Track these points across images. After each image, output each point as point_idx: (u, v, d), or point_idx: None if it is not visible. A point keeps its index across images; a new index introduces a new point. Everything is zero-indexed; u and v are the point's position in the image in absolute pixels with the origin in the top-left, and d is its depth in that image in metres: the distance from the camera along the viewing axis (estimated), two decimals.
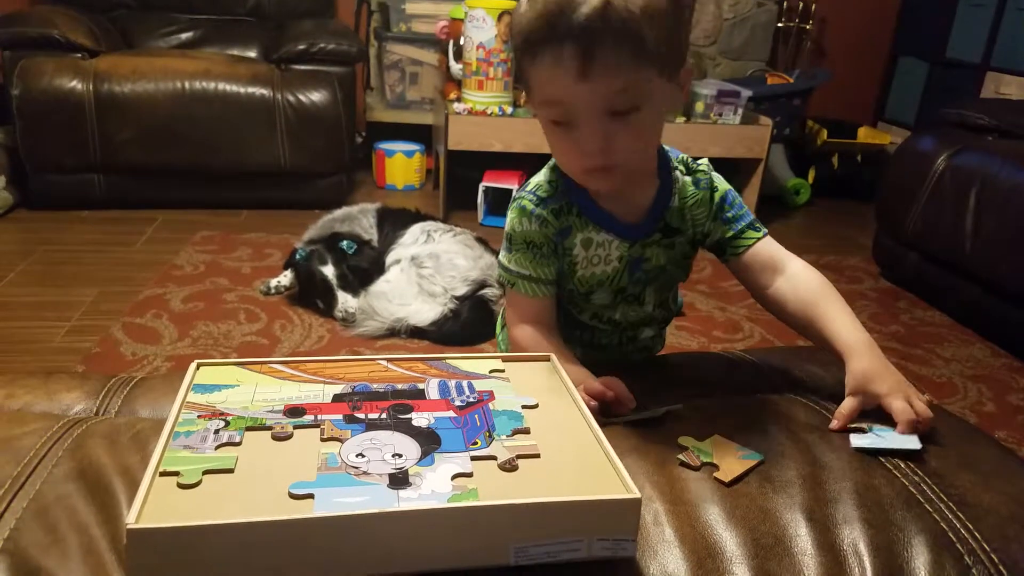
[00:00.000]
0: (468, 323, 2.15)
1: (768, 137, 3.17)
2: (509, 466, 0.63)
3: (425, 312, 2.17)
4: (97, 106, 2.84)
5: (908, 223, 2.60)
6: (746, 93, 3.19)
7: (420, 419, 0.69)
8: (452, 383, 0.76)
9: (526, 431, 0.69)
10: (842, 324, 0.90)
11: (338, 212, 2.59)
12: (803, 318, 0.94)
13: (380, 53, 3.70)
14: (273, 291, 2.35)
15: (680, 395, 0.89)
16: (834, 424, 0.81)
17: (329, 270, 2.27)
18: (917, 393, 0.84)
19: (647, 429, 0.79)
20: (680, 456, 0.74)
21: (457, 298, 2.20)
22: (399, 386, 0.75)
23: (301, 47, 3.14)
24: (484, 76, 3.03)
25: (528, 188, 0.99)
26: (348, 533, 0.55)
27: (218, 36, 3.47)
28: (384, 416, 0.69)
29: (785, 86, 3.54)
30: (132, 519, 0.54)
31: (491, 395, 0.74)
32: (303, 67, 3.14)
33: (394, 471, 0.61)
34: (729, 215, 1.01)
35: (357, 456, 0.63)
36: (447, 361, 0.81)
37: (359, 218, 2.56)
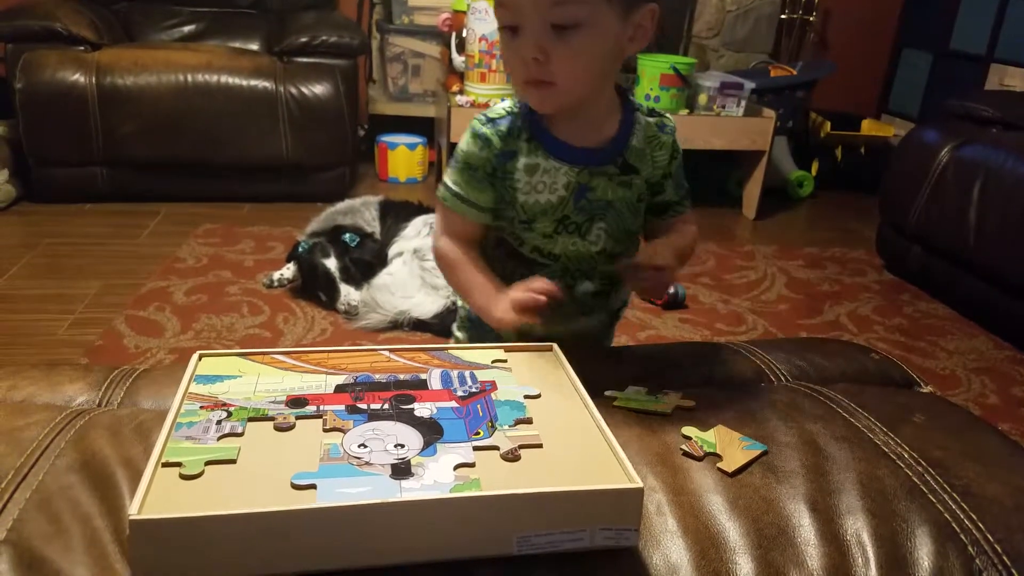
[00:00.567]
0: None
1: (771, 129, 3.16)
2: (511, 456, 0.63)
3: (428, 305, 2.17)
4: (100, 99, 2.84)
5: (911, 216, 2.60)
6: (749, 85, 3.18)
7: (422, 409, 0.69)
8: (454, 373, 0.76)
9: (528, 421, 0.69)
10: (666, 240, 1.02)
11: (341, 205, 2.59)
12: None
13: (382, 45, 3.69)
14: (276, 284, 2.35)
15: (683, 386, 0.89)
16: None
17: (332, 263, 2.27)
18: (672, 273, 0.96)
19: (650, 419, 0.79)
20: (683, 446, 0.74)
21: None
22: (401, 376, 0.75)
23: (303, 40, 3.13)
24: (487, 68, 3.03)
25: (488, 110, 1.01)
26: (350, 523, 0.55)
27: (220, 29, 3.47)
28: (386, 406, 0.69)
29: (788, 78, 3.53)
30: (134, 510, 0.54)
31: (493, 385, 0.74)
32: (305, 60, 3.13)
33: (396, 461, 0.61)
34: (680, 181, 1.06)
35: (359, 446, 0.63)
36: (449, 351, 0.81)
37: (362, 211, 2.56)
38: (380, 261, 2.35)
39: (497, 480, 0.60)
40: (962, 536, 0.65)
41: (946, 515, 0.67)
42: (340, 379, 0.74)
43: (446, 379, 0.75)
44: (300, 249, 2.33)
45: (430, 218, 2.45)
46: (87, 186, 2.97)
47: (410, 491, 0.58)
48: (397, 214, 2.52)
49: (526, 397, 0.73)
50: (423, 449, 0.63)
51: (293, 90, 2.99)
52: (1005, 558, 0.63)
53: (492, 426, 0.67)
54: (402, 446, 0.63)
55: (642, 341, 2.17)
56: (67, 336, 2.03)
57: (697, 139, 3.13)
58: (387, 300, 2.18)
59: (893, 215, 2.73)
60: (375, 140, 3.56)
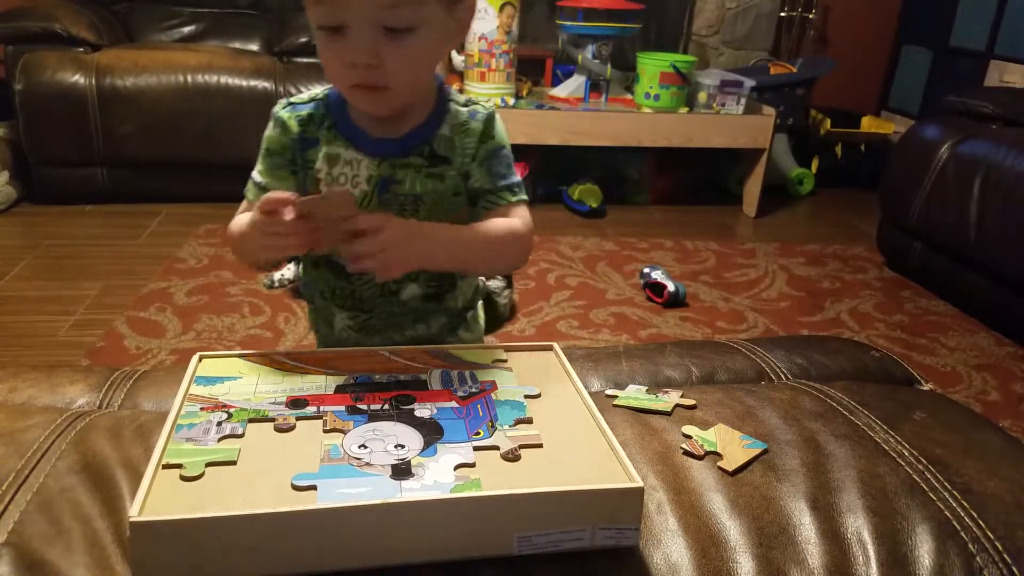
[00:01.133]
0: None
1: (771, 127, 3.16)
2: (512, 456, 0.63)
3: None
4: (100, 100, 2.84)
5: (912, 212, 2.59)
6: (749, 83, 3.17)
7: (422, 410, 0.69)
8: (454, 374, 0.76)
9: (529, 421, 0.69)
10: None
11: None
12: None
13: None
14: (277, 284, 2.35)
15: (683, 385, 0.89)
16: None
17: None
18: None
19: (650, 418, 0.79)
20: (683, 445, 0.74)
21: None
22: (401, 377, 0.75)
23: (303, 40, 3.13)
24: (486, 67, 3.02)
25: (295, 96, 0.97)
26: (351, 524, 0.55)
27: (220, 29, 3.47)
28: (386, 407, 0.69)
29: (788, 76, 3.53)
30: (135, 511, 0.54)
31: (493, 385, 0.74)
32: (305, 60, 3.13)
33: (396, 462, 0.61)
34: (497, 169, 0.97)
35: (360, 447, 0.63)
36: (449, 352, 0.81)
37: None
38: None
39: (497, 480, 0.60)
40: (962, 533, 0.65)
41: (946, 512, 0.67)
42: (340, 380, 0.74)
43: (446, 379, 0.75)
44: None
45: None
46: (87, 187, 2.97)
47: (410, 491, 0.58)
48: None
49: (526, 397, 0.73)
50: (423, 449, 0.63)
51: (293, 90, 2.98)
52: (1006, 555, 0.63)
53: (492, 426, 0.67)
54: (402, 446, 0.63)
55: (643, 339, 2.17)
56: (68, 337, 2.03)
57: (697, 137, 3.13)
58: None
59: (894, 212, 2.73)
60: None
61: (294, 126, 0.93)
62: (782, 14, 3.96)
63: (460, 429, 0.66)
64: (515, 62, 3.08)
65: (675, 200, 3.46)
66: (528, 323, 2.22)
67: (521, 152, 3.09)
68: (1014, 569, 0.62)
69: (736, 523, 0.65)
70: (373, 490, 0.58)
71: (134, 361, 1.90)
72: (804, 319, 2.38)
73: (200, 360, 0.77)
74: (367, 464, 0.61)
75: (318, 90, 0.96)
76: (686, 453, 0.73)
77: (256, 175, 0.96)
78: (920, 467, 0.72)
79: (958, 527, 0.65)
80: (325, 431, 0.65)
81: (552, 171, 3.35)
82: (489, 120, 0.97)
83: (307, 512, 0.55)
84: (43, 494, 0.63)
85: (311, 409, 0.69)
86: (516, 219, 0.97)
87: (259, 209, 0.79)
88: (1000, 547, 0.64)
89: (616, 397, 0.82)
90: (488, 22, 2.93)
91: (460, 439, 0.65)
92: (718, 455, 0.73)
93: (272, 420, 0.67)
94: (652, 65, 3.12)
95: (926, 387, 0.98)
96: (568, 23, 3.17)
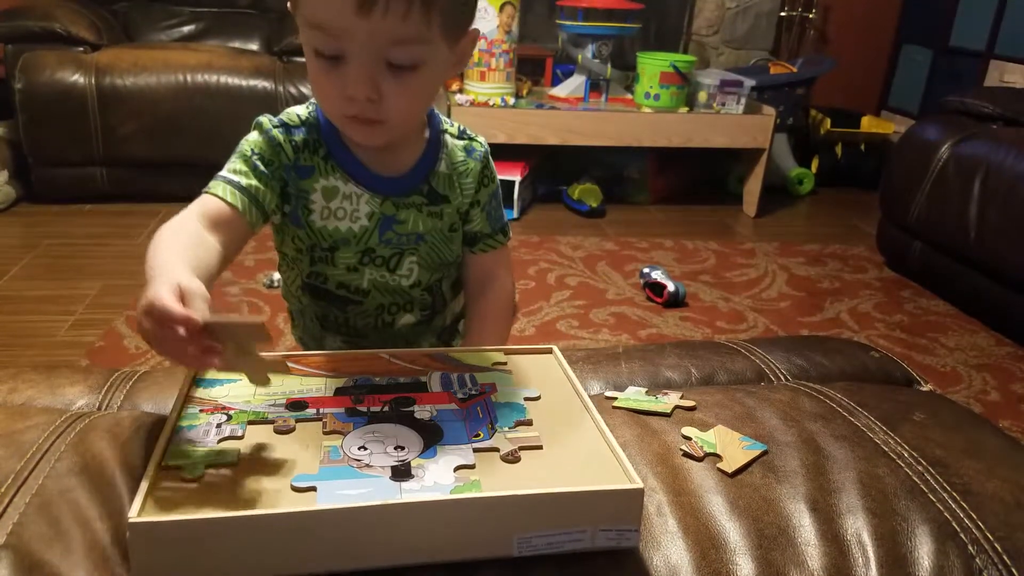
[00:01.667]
0: None
1: (771, 126, 3.16)
2: (511, 457, 0.63)
3: None
4: (99, 99, 2.84)
5: (912, 212, 2.60)
6: (749, 82, 3.17)
7: (422, 411, 0.69)
8: (454, 376, 0.76)
9: (528, 423, 0.69)
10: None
11: None
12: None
13: None
14: (276, 284, 2.35)
15: (683, 386, 0.89)
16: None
17: None
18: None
19: (650, 420, 0.79)
20: (683, 446, 0.74)
21: None
22: (401, 379, 0.75)
23: None
24: (486, 67, 3.03)
25: (283, 113, 0.90)
26: (351, 525, 0.55)
27: (220, 28, 3.47)
28: (386, 409, 0.69)
29: (788, 75, 3.53)
30: (134, 513, 0.54)
31: (493, 387, 0.74)
32: (305, 60, 3.13)
33: (396, 463, 0.61)
34: (495, 213, 0.98)
35: (359, 449, 0.63)
36: (449, 354, 0.81)
37: None
38: None
39: (497, 481, 0.60)
40: (962, 535, 0.65)
41: (946, 514, 0.67)
42: (340, 382, 0.74)
43: (446, 381, 0.75)
44: None
45: None
46: (87, 186, 2.97)
47: (410, 493, 0.58)
48: None
49: (526, 399, 0.73)
50: (423, 451, 0.63)
51: (293, 90, 2.98)
52: (1005, 556, 0.63)
53: (492, 428, 0.67)
54: (402, 448, 0.63)
55: (643, 339, 2.17)
56: (68, 337, 2.03)
57: (696, 137, 3.13)
58: None
59: (894, 212, 2.73)
60: None
61: (289, 151, 0.89)
62: (782, 14, 3.96)
63: (460, 431, 0.66)
64: (515, 62, 3.08)
65: (675, 200, 3.46)
66: (528, 323, 2.22)
67: (521, 152, 3.10)
68: (1014, 570, 0.62)
69: (736, 525, 0.65)
70: (373, 491, 0.58)
71: (133, 361, 1.90)
72: (804, 319, 2.38)
73: None
74: (367, 465, 0.61)
75: (302, 110, 0.92)
76: (686, 455, 0.73)
77: (233, 176, 0.86)
78: (920, 468, 0.72)
79: (958, 528, 0.65)
80: (325, 433, 0.65)
81: (552, 171, 3.35)
82: (486, 159, 0.97)
83: (307, 513, 0.55)
84: (42, 496, 0.63)
85: (311, 411, 0.68)
86: (505, 275, 1.03)
87: (150, 316, 0.61)
88: (1000, 548, 0.64)
89: (616, 399, 0.82)
90: (488, 22, 2.93)
91: (460, 441, 0.65)
92: (718, 456, 0.73)
93: (272, 422, 0.67)
94: (652, 65, 3.12)
95: (925, 388, 0.98)
96: (568, 23, 3.17)
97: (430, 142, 0.94)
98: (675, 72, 3.09)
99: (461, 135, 0.96)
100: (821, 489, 0.69)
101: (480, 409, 0.70)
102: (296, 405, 0.69)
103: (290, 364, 0.77)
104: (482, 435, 0.66)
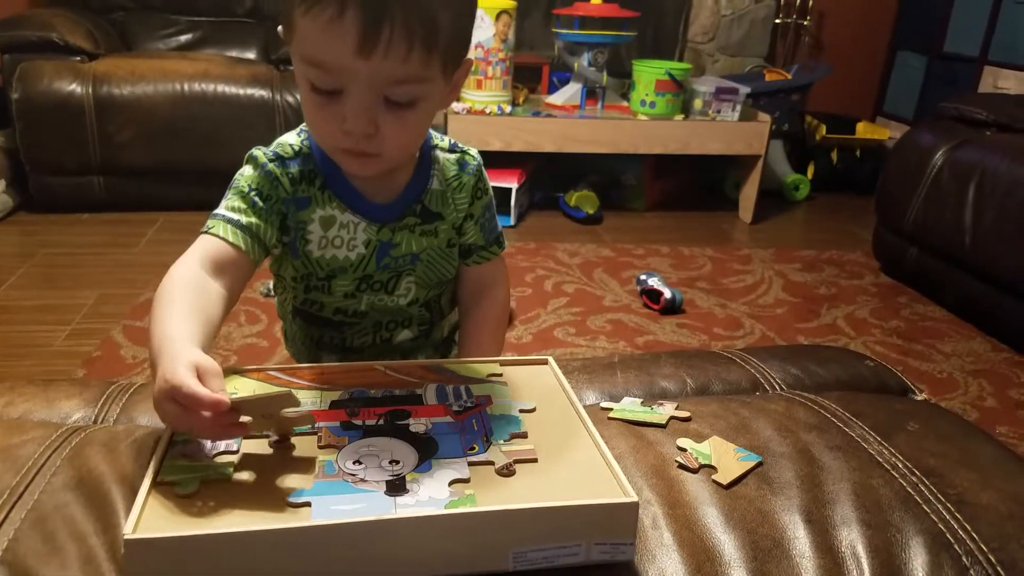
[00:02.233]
0: None
1: (767, 133, 3.17)
2: (507, 471, 0.63)
3: None
4: (96, 108, 2.84)
5: (908, 218, 2.60)
6: (744, 89, 3.18)
7: (417, 425, 0.69)
8: (450, 388, 0.76)
9: (523, 435, 0.69)
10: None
11: None
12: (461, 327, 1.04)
13: None
14: (273, 293, 2.35)
15: (678, 397, 0.89)
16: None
17: None
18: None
19: (645, 431, 0.79)
20: (678, 458, 0.74)
21: None
22: (396, 392, 0.75)
23: None
24: (483, 75, 3.03)
25: (269, 146, 0.89)
26: (345, 541, 0.55)
27: (217, 37, 3.47)
28: (381, 422, 0.69)
29: (783, 82, 3.54)
30: (129, 529, 0.54)
31: (488, 400, 0.74)
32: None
33: (391, 478, 0.61)
34: (488, 225, 0.99)
35: (354, 463, 0.63)
36: (445, 366, 0.81)
37: None
38: None
39: (492, 495, 0.60)
40: (956, 546, 0.65)
41: (940, 525, 0.67)
42: (335, 395, 0.74)
43: (441, 394, 0.75)
44: None
45: None
46: (84, 195, 2.97)
47: (405, 507, 0.58)
48: None
49: (521, 411, 0.73)
50: (418, 465, 0.63)
51: (290, 98, 2.99)
52: (999, 568, 0.63)
53: (487, 441, 0.67)
54: (397, 462, 0.63)
55: (640, 347, 2.17)
56: (64, 347, 2.03)
57: (693, 144, 3.14)
58: None
59: (889, 217, 2.74)
60: None
61: (287, 184, 0.88)
62: (777, 21, 3.98)
63: (455, 444, 0.66)
64: (511, 70, 3.09)
65: (671, 206, 3.47)
66: (525, 330, 2.22)
67: (518, 159, 3.10)
68: None
69: (730, 537, 0.65)
70: (368, 506, 0.58)
71: (130, 371, 1.90)
72: (800, 325, 2.38)
73: None
74: (362, 480, 0.61)
75: (294, 139, 0.91)
76: (681, 466, 0.73)
77: (233, 214, 0.85)
78: (914, 479, 0.72)
79: (952, 539, 0.66)
80: (320, 447, 0.65)
81: (548, 178, 3.35)
82: (479, 172, 0.97)
83: (301, 529, 0.55)
84: (38, 511, 0.63)
85: (306, 425, 0.69)
86: (500, 285, 1.03)
87: (173, 401, 0.61)
88: (994, 559, 0.64)
89: (611, 410, 0.82)
90: (485, 30, 2.94)
91: (455, 454, 0.65)
92: (713, 468, 0.73)
93: (267, 436, 0.67)
94: (648, 72, 3.13)
95: (920, 397, 0.99)
96: (564, 31, 3.18)
97: (421, 160, 0.93)
98: (671, 79, 3.10)
99: (452, 149, 0.96)
100: (816, 501, 0.69)
101: (475, 422, 0.70)
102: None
103: (285, 377, 0.77)
104: (477, 448, 0.66)
